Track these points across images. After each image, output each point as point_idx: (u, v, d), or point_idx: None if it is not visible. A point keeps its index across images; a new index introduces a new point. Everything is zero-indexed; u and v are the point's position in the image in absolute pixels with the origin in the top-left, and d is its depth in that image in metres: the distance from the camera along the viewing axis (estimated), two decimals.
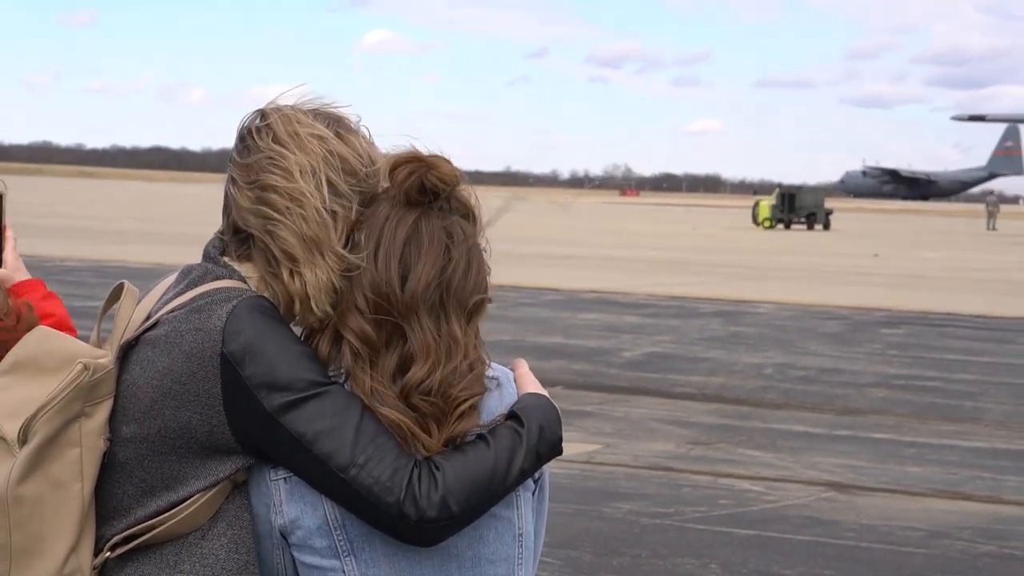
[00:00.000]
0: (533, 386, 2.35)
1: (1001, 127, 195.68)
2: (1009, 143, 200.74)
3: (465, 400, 2.24)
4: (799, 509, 8.84)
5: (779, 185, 71.86)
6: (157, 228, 43.25)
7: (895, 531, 8.40)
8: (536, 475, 2.34)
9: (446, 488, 2.15)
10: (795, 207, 68.55)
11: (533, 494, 2.34)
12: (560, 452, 2.30)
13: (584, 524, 8.24)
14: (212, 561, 2.25)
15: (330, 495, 2.20)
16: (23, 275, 2.83)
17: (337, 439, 2.16)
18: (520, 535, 2.31)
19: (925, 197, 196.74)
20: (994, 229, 75.53)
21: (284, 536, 2.25)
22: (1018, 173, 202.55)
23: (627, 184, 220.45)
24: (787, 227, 67.96)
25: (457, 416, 2.23)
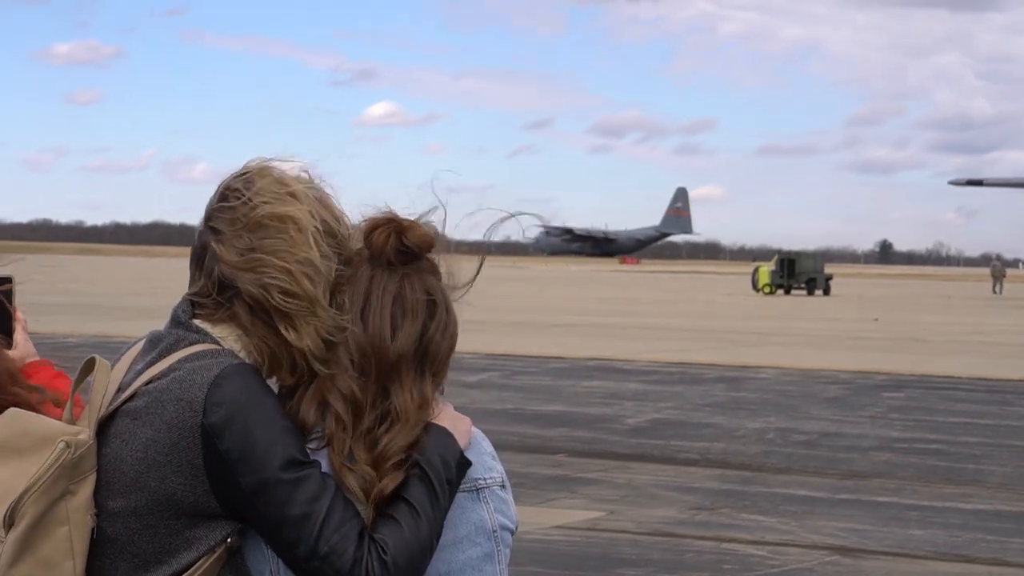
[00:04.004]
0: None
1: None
2: (679, 204, 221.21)
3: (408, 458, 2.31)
4: (804, 573, 8.84)
5: (778, 251, 72.01)
6: (159, 303, 43.28)
7: None
8: (514, 528, 2.43)
9: (396, 568, 2.22)
10: (795, 273, 68.69)
11: (509, 549, 2.43)
12: (467, 464, 2.35)
13: None
14: None
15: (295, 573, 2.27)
16: (33, 356, 2.90)
17: (303, 529, 2.21)
18: None
19: (610, 253, 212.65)
20: (999, 293, 75.15)
21: None
22: (686, 232, 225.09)
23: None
24: (787, 293, 68.05)
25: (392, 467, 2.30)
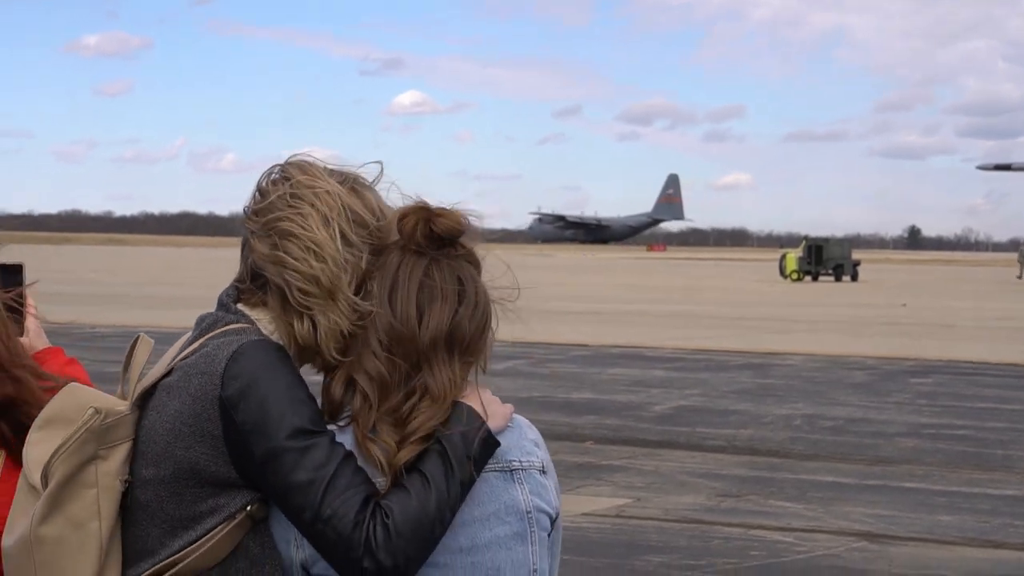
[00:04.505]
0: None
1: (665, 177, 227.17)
2: (671, 191, 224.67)
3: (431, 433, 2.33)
4: (831, 559, 8.85)
5: (806, 237, 71.71)
6: (187, 292, 43.45)
7: None
8: (553, 514, 2.44)
9: (398, 534, 2.25)
10: (822, 259, 68.39)
11: (548, 534, 2.43)
12: (495, 443, 2.36)
13: None
14: None
15: (305, 539, 2.31)
16: (44, 343, 2.92)
17: (308, 494, 2.26)
18: (535, 571, 2.41)
19: (604, 240, 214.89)
20: None
21: (306, 569, 2.34)
22: (678, 218, 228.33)
23: (654, 239, 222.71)
24: (814, 279, 67.82)
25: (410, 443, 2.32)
